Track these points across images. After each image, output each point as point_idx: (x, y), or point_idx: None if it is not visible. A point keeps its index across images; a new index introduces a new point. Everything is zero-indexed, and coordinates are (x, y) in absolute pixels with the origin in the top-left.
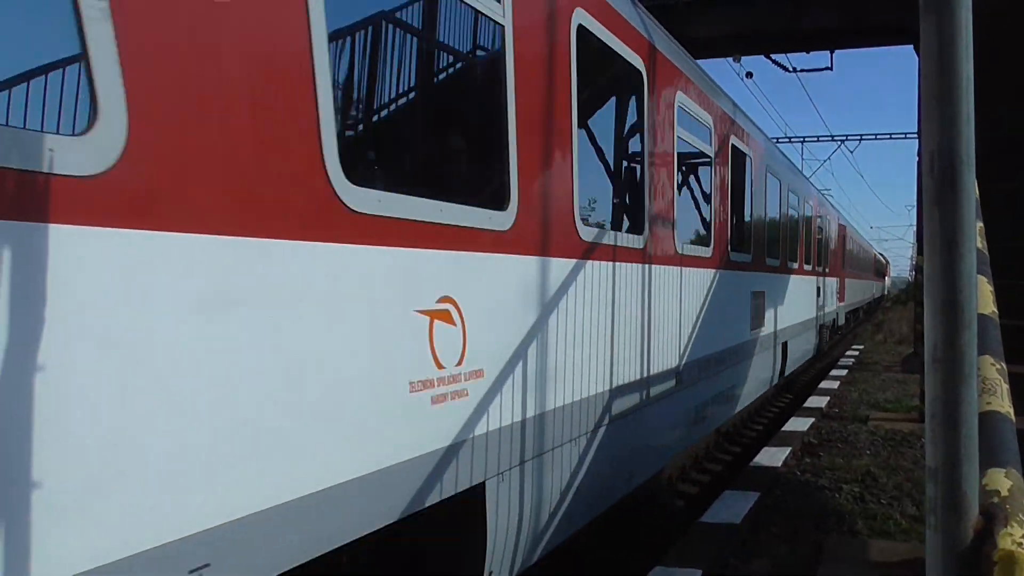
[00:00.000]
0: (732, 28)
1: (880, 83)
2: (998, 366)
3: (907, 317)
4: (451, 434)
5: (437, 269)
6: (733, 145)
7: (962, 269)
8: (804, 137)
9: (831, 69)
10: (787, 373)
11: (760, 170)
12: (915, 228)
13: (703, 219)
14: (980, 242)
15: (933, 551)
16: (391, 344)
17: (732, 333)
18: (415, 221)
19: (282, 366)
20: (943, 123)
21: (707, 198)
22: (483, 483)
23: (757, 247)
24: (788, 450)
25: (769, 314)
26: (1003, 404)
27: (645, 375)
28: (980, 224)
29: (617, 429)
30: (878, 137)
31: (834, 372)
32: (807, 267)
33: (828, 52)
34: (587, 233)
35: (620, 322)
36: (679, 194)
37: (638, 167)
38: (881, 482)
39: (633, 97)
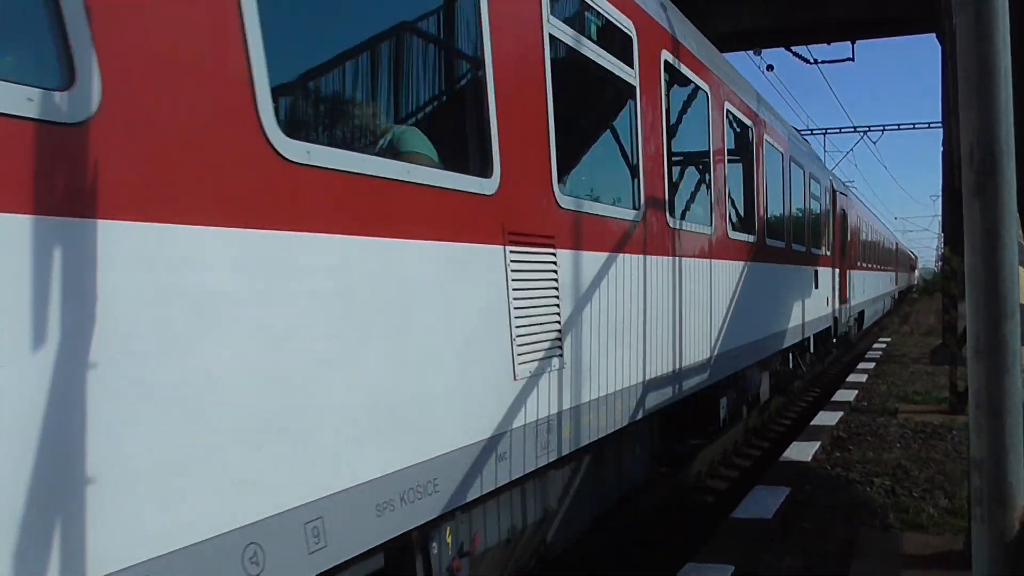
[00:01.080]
0: (753, 22)
1: (902, 73)
2: None
3: (934, 308)
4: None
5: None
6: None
7: (1003, 259)
8: (827, 129)
9: (852, 60)
10: None
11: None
12: (940, 218)
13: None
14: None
15: (979, 542)
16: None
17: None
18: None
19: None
20: (981, 115)
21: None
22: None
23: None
24: (817, 444)
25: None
26: None
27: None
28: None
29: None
30: (901, 127)
31: (862, 365)
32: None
33: (849, 43)
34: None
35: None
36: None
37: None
38: (912, 475)
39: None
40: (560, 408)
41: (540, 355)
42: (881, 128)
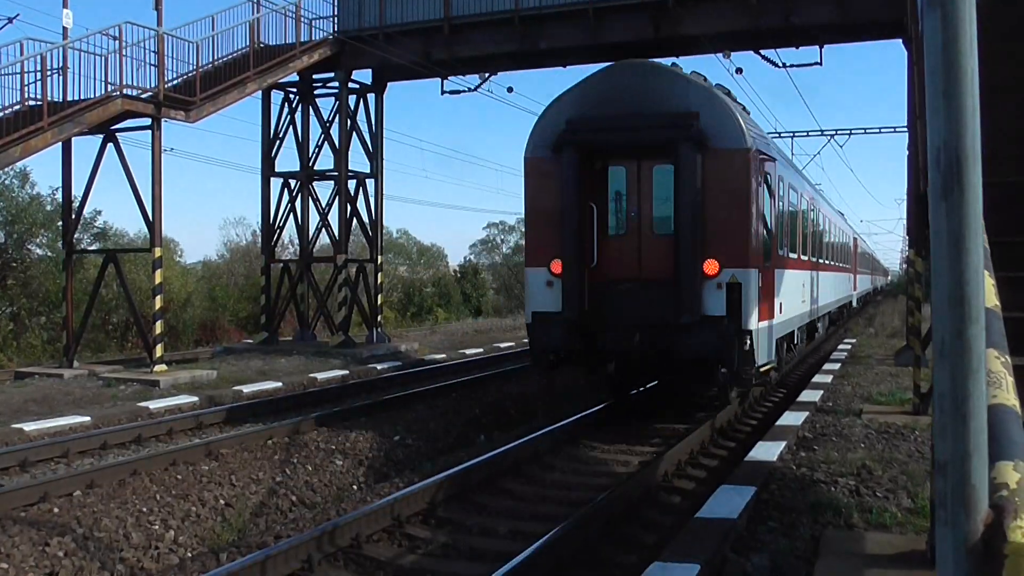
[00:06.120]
0: (724, 25)
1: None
2: (1003, 359)
3: (899, 310)
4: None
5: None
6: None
7: (969, 263)
8: (794, 132)
9: (820, 64)
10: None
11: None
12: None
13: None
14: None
15: (944, 545)
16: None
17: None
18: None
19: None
20: (949, 118)
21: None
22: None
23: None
24: (783, 444)
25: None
26: (1009, 397)
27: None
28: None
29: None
30: (867, 131)
31: (827, 366)
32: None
33: (818, 47)
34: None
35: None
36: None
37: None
38: (876, 475)
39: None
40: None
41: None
42: (848, 131)
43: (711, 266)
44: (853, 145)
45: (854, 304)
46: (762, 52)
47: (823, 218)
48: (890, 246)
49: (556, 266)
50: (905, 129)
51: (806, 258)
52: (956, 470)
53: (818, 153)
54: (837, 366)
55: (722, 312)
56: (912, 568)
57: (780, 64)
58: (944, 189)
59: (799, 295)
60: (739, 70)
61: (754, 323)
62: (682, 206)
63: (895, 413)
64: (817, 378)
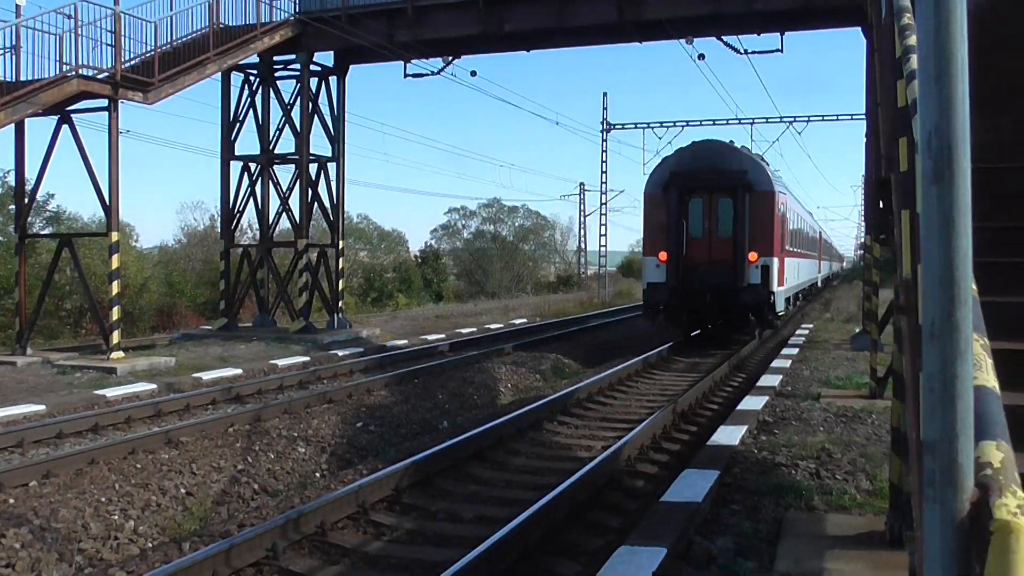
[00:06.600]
0: (687, 10)
1: (828, 66)
2: (982, 341)
3: (855, 295)
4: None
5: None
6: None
7: (958, 246)
8: (753, 119)
9: (782, 51)
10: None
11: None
12: (862, 208)
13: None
14: None
15: (931, 523)
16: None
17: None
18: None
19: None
20: (940, 103)
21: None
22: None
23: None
24: (744, 428)
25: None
26: (989, 378)
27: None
28: None
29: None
30: (825, 119)
31: (786, 351)
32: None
33: (779, 34)
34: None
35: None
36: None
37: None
38: (836, 458)
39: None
40: (799, 282)
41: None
42: (806, 119)
43: (753, 256)
44: (811, 132)
45: (819, 284)
46: (724, 38)
47: (803, 222)
48: (846, 232)
49: (663, 256)
50: (863, 117)
51: (797, 251)
52: (944, 450)
53: (777, 140)
54: (795, 351)
55: (758, 281)
56: (872, 548)
57: (742, 51)
58: (935, 174)
59: (795, 273)
60: (701, 56)
61: (776, 287)
62: (737, 222)
63: (852, 397)
64: (776, 362)
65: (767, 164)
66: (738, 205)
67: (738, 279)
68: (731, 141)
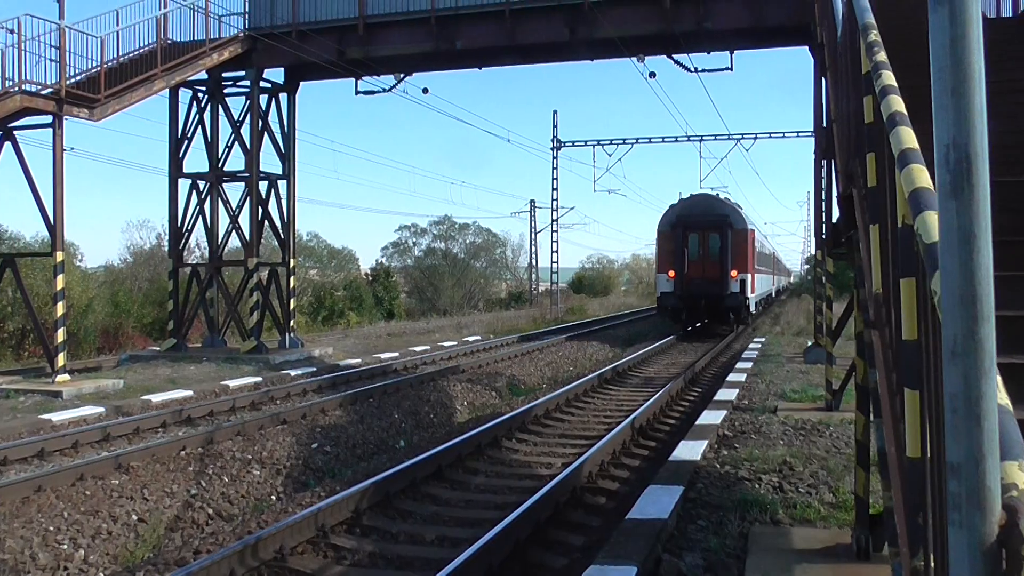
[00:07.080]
0: (638, 28)
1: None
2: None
3: (803, 309)
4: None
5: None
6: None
7: (979, 262)
8: (702, 136)
9: (731, 70)
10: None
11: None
12: (811, 223)
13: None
14: None
15: (958, 548)
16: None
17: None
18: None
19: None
20: (958, 116)
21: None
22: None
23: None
24: (705, 443)
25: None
26: (1002, 396)
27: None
28: None
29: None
30: (772, 136)
31: (740, 364)
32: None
33: (728, 53)
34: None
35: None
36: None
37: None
38: (798, 471)
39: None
40: (762, 292)
41: (763, 285)
42: (754, 136)
43: (734, 273)
44: (759, 149)
45: (773, 295)
46: (675, 57)
47: (764, 247)
48: (792, 247)
49: (671, 273)
50: (809, 134)
51: (762, 268)
52: (971, 472)
53: (725, 157)
54: (749, 364)
55: (738, 290)
56: (840, 561)
57: (692, 69)
58: (954, 187)
59: (761, 284)
60: (652, 74)
61: (749, 295)
62: (723, 250)
63: (809, 410)
64: (731, 376)
65: (742, 208)
66: (723, 238)
67: (724, 289)
68: (717, 194)
